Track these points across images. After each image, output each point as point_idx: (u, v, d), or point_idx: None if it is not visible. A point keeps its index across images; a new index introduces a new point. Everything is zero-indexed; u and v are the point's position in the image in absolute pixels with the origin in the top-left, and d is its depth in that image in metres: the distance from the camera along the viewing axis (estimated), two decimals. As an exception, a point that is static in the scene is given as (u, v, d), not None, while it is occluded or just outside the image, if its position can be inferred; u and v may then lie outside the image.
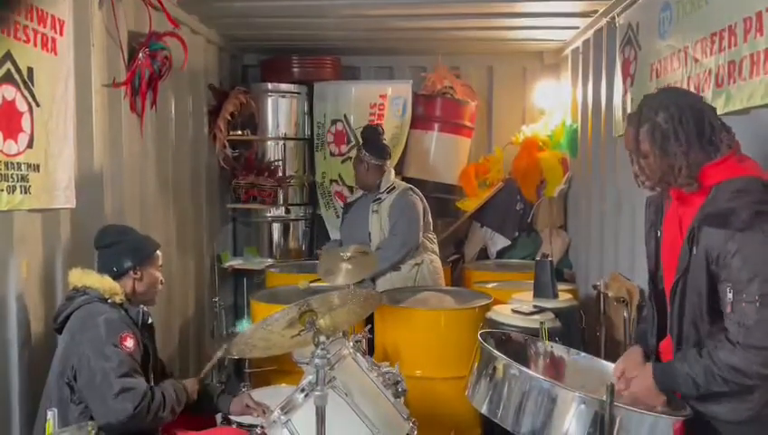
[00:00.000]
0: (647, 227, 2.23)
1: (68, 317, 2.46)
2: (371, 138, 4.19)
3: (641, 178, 2.04)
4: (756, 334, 1.80)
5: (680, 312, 1.99)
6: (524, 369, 2.05)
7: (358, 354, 2.63)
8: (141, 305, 2.62)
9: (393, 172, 4.26)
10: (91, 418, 2.34)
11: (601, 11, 4.16)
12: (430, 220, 4.25)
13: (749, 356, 1.81)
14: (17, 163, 2.59)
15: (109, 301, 2.47)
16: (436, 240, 4.32)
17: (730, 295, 1.84)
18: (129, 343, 2.38)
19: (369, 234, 4.00)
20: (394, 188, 4.06)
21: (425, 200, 4.21)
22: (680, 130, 1.92)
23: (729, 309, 1.85)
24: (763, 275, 1.80)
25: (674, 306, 2.01)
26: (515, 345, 2.46)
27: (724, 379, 1.85)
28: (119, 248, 2.59)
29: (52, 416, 1.74)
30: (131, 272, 2.58)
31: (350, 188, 5.15)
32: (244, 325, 4.82)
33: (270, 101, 5.32)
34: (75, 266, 2.61)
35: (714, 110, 2.02)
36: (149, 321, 2.63)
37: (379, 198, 4.03)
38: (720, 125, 1.96)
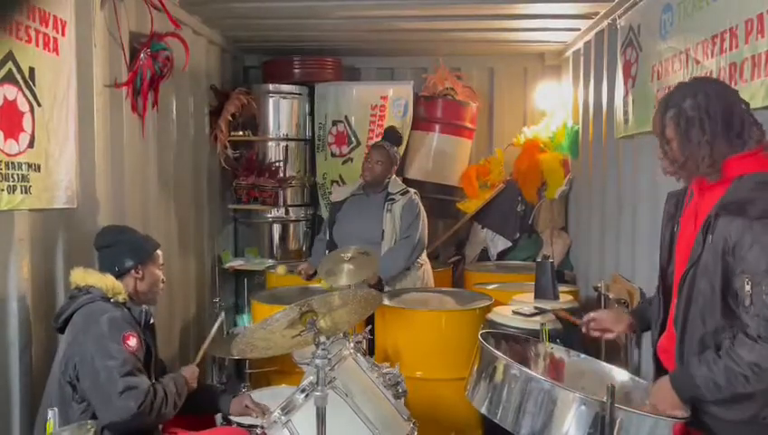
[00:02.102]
0: (664, 219, 2.20)
1: (70, 316, 2.45)
2: (392, 133, 4.35)
3: (665, 163, 2.01)
4: None
5: (687, 303, 1.95)
6: (525, 369, 2.05)
7: (358, 355, 2.63)
8: (144, 305, 2.62)
9: (399, 178, 4.30)
10: (93, 416, 2.34)
11: (603, 13, 4.16)
12: None
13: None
14: (18, 163, 2.60)
15: (111, 300, 2.47)
16: None
17: (748, 287, 1.79)
18: (132, 341, 2.38)
19: (383, 232, 4.02)
20: (407, 191, 4.11)
21: None
22: (706, 119, 1.89)
23: (748, 302, 1.80)
24: None
25: (681, 297, 1.97)
26: (516, 346, 2.47)
27: (746, 377, 1.79)
28: (119, 248, 2.59)
29: (52, 415, 1.74)
30: (133, 271, 2.58)
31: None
32: (245, 320, 4.85)
33: (271, 101, 5.32)
34: (76, 266, 2.61)
35: (746, 104, 1.98)
36: (151, 321, 2.63)
37: (393, 199, 4.06)
38: (752, 121, 1.94)
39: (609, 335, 2.35)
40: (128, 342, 2.37)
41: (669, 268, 2.15)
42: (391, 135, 4.31)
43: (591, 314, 2.37)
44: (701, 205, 2.00)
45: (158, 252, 2.71)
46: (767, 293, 1.76)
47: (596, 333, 2.35)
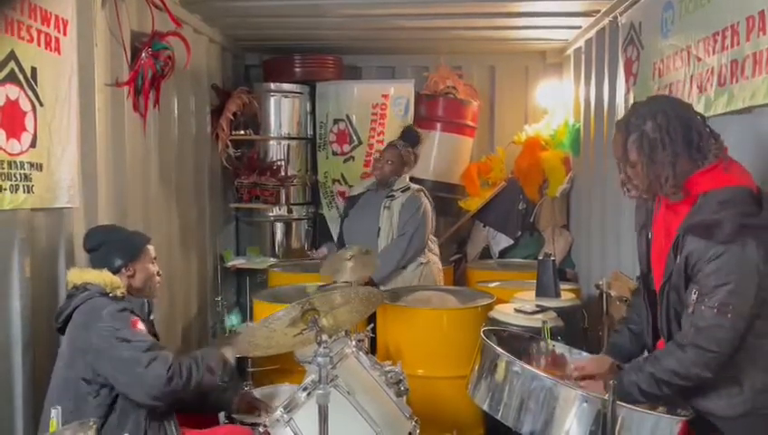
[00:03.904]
0: (637, 229, 2.26)
1: (70, 315, 2.45)
2: (409, 133, 4.31)
3: (628, 186, 2.05)
4: (704, 336, 1.85)
5: (668, 313, 2.02)
6: (527, 366, 2.05)
7: (360, 353, 2.63)
8: (144, 299, 2.61)
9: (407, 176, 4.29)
10: (107, 413, 2.33)
11: (604, 10, 4.16)
12: (434, 223, 4.27)
13: (690, 355, 1.86)
14: (20, 162, 2.60)
15: (110, 295, 2.46)
16: (436, 242, 4.34)
17: (694, 296, 1.88)
18: (140, 325, 2.39)
19: (379, 229, 4.01)
20: (408, 188, 4.10)
21: (432, 203, 4.23)
22: (667, 139, 1.93)
23: (690, 310, 1.89)
24: (730, 287, 1.82)
25: (662, 308, 2.05)
26: (518, 344, 2.47)
27: (665, 382, 1.90)
28: (107, 249, 2.57)
29: (55, 414, 1.74)
30: (123, 270, 2.56)
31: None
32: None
33: (272, 100, 5.33)
34: (72, 266, 2.61)
35: (703, 117, 2.03)
36: (152, 317, 2.63)
37: (393, 195, 4.06)
38: (708, 133, 1.98)
39: (594, 383, 2.21)
40: (136, 326, 2.37)
41: (650, 276, 2.19)
42: (408, 135, 4.28)
43: (577, 364, 2.32)
44: (669, 219, 2.05)
45: (149, 247, 2.67)
46: (707, 306, 1.85)
47: (583, 383, 2.20)
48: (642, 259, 2.22)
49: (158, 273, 2.69)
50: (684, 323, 1.91)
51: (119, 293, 2.48)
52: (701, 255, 1.86)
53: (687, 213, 1.95)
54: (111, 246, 2.58)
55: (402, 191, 4.07)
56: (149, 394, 2.30)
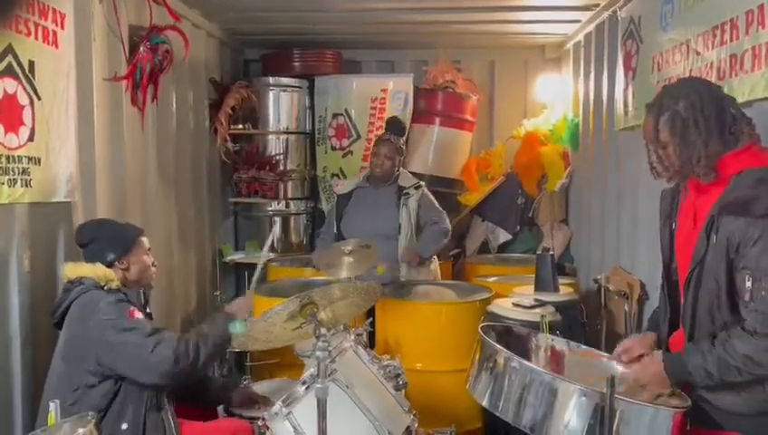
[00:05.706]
0: (661, 218, 2.19)
1: (66, 310, 2.45)
2: (394, 123, 4.31)
3: (659, 168, 1.99)
4: None
5: (694, 302, 1.96)
6: (525, 362, 2.05)
7: (359, 347, 2.63)
8: (139, 290, 2.61)
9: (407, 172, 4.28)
10: (108, 404, 2.34)
11: (603, 4, 4.15)
12: None
13: (765, 345, 1.78)
14: (18, 156, 2.60)
15: (105, 288, 2.46)
16: None
17: (749, 283, 1.80)
18: (138, 315, 2.40)
19: (400, 226, 4.01)
20: (420, 185, 4.11)
21: None
22: (701, 118, 1.88)
23: (747, 297, 1.81)
24: None
25: (687, 297, 1.98)
26: (516, 338, 2.47)
27: (738, 369, 1.82)
28: (99, 244, 2.56)
29: (54, 407, 1.74)
30: (117, 263, 2.55)
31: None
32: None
33: (271, 95, 5.32)
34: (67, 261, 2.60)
35: (733, 100, 1.98)
36: (148, 310, 2.63)
37: (408, 193, 4.05)
38: (740, 115, 1.93)
39: (645, 364, 2.13)
40: (134, 315, 2.38)
41: (672, 266, 2.15)
42: (394, 126, 4.26)
43: (621, 347, 2.22)
44: (700, 203, 2.00)
45: (142, 238, 2.65)
46: (767, 289, 1.77)
47: (634, 365, 2.14)
48: (665, 249, 2.17)
49: (153, 264, 2.68)
50: (744, 312, 1.83)
51: (113, 285, 2.48)
52: (742, 236, 1.80)
53: (721, 193, 1.89)
54: (103, 241, 2.57)
55: (415, 188, 4.07)
56: (159, 376, 2.32)
